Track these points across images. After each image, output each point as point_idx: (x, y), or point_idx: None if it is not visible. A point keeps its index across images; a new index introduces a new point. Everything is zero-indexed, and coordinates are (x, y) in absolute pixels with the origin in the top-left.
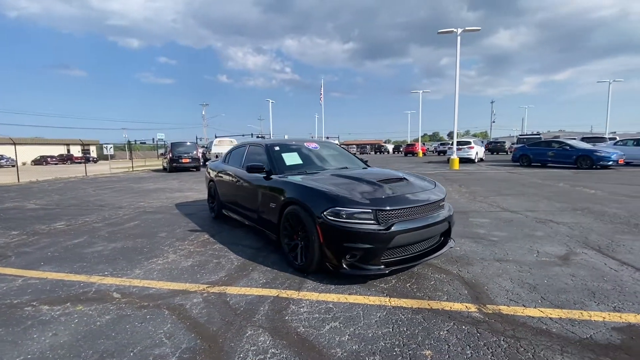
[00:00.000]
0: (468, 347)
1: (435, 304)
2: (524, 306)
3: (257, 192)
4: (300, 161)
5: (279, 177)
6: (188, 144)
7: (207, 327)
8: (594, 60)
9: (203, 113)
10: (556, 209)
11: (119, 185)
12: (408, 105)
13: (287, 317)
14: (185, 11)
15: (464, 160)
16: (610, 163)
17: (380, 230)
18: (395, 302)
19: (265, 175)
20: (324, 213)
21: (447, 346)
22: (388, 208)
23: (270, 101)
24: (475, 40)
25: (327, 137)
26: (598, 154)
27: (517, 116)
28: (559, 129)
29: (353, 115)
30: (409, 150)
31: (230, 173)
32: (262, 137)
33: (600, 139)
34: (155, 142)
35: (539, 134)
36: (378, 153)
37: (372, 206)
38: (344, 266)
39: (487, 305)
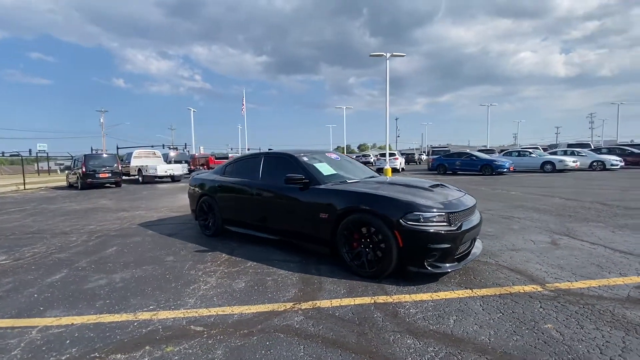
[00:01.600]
0: (569, 316)
1: (510, 289)
2: (569, 281)
3: (294, 204)
4: (333, 171)
5: (324, 187)
6: (105, 156)
7: (345, 341)
8: (466, 87)
9: (101, 121)
10: (504, 207)
11: (30, 207)
12: (322, 119)
13: (408, 319)
14: (67, 2)
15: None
16: (505, 170)
17: (454, 230)
18: (479, 292)
19: (302, 186)
20: (402, 219)
21: (555, 317)
22: (455, 210)
23: (192, 110)
24: (377, 64)
25: (249, 149)
26: (497, 163)
27: (412, 131)
28: (446, 142)
29: (269, 128)
30: None
31: (242, 186)
32: (175, 147)
33: (490, 152)
34: (36, 154)
35: (447, 147)
36: None
37: (445, 209)
38: (427, 267)
39: (546, 285)
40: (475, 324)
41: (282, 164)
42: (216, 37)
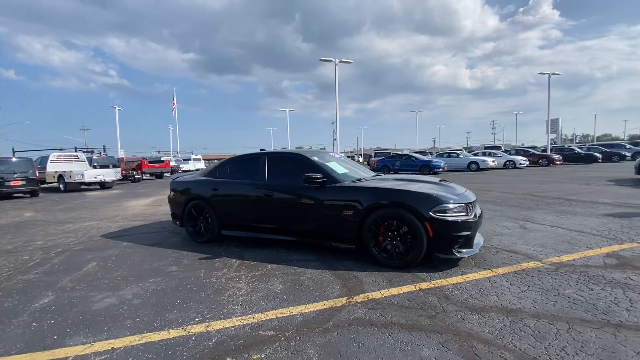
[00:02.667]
0: (576, 282)
1: (520, 267)
2: (557, 257)
3: (314, 203)
4: (345, 170)
5: (346, 184)
6: (16, 160)
7: (422, 324)
8: (391, 94)
9: None
10: None
11: None
12: (256, 121)
13: (460, 299)
14: None
15: None
16: (440, 169)
17: (472, 219)
18: (498, 271)
19: (319, 185)
20: (431, 211)
21: (568, 284)
22: (469, 201)
23: (117, 108)
24: (311, 68)
25: (179, 152)
26: (434, 163)
27: (345, 134)
28: (376, 145)
29: (199, 129)
30: None
31: (247, 188)
32: (91, 150)
33: (424, 153)
34: None
35: (387, 150)
36: None
37: (462, 201)
38: (455, 253)
39: (543, 260)
40: (515, 297)
41: (292, 164)
42: (137, 29)
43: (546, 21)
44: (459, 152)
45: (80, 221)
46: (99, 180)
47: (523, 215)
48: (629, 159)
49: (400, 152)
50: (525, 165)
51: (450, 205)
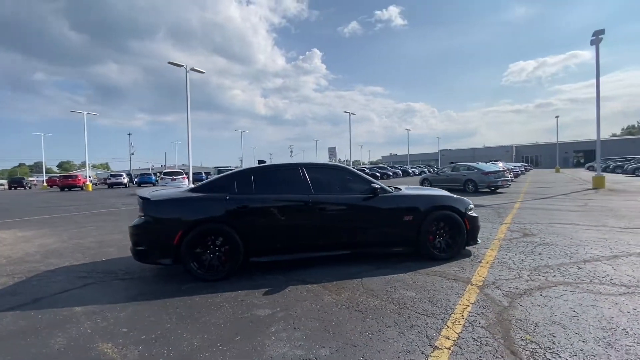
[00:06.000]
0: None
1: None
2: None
3: (375, 213)
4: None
5: (402, 193)
6: None
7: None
8: (192, 110)
9: None
10: None
11: None
12: None
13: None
14: None
15: None
16: None
17: (477, 216)
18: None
19: (373, 195)
20: (466, 210)
21: (553, 249)
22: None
23: None
24: (85, 64)
25: None
26: None
27: (139, 148)
28: (181, 163)
29: None
30: (70, 183)
31: (290, 203)
32: None
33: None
34: None
35: (229, 167)
36: None
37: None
38: (478, 241)
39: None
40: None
41: (335, 175)
42: None
43: (317, 71)
44: None
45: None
46: None
47: None
48: (414, 174)
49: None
50: None
51: (471, 205)
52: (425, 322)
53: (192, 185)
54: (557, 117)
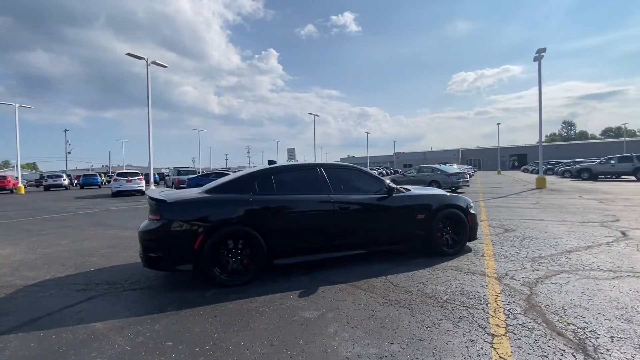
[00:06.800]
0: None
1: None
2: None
3: (392, 212)
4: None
5: (413, 193)
6: None
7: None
8: (135, 106)
9: None
10: None
11: None
12: None
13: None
14: None
15: (134, 193)
16: None
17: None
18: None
19: (388, 195)
20: (468, 208)
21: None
22: None
23: None
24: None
25: None
26: None
27: (78, 146)
28: (126, 163)
29: None
30: None
31: (313, 203)
32: None
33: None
34: None
35: (191, 167)
36: None
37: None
38: (477, 237)
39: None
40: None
41: (350, 175)
42: None
43: (274, 71)
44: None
45: None
46: None
47: None
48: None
49: (216, 171)
50: None
51: (472, 204)
52: (470, 313)
53: (208, 186)
54: (498, 124)
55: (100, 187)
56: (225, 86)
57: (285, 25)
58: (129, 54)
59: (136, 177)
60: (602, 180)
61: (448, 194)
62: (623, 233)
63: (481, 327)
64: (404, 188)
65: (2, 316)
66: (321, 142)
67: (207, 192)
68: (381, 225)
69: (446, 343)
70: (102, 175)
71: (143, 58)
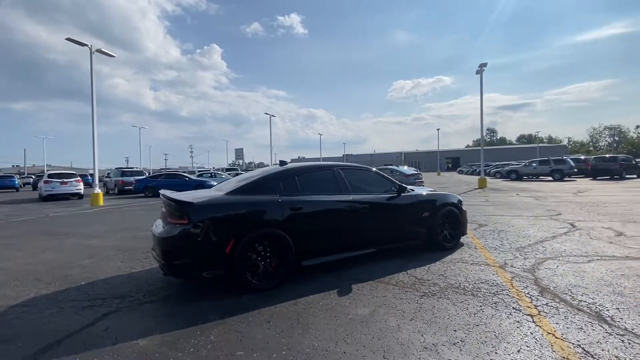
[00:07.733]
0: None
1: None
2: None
3: (402, 210)
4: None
5: (417, 192)
6: None
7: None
8: (53, 98)
9: None
10: None
11: None
12: None
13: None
14: None
15: (70, 196)
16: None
17: None
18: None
19: (398, 194)
20: (460, 205)
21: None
22: None
23: None
24: None
25: None
26: (208, 183)
27: None
28: (44, 162)
29: None
30: None
31: (337, 203)
32: None
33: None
34: None
35: (134, 167)
36: None
37: None
38: (466, 232)
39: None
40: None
41: (365, 175)
42: None
43: (217, 68)
44: (212, 173)
45: None
46: None
47: None
48: None
49: (167, 172)
50: None
51: (462, 201)
52: (501, 299)
53: (227, 188)
54: (438, 129)
55: (18, 190)
56: (162, 80)
57: (229, 22)
58: (69, 39)
59: (72, 179)
60: (526, 180)
61: (446, 192)
62: (572, 225)
63: (517, 310)
64: (420, 188)
65: (4, 344)
66: (268, 143)
67: (230, 193)
68: (394, 223)
69: (499, 325)
70: (17, 175)
71: (86, 45)
